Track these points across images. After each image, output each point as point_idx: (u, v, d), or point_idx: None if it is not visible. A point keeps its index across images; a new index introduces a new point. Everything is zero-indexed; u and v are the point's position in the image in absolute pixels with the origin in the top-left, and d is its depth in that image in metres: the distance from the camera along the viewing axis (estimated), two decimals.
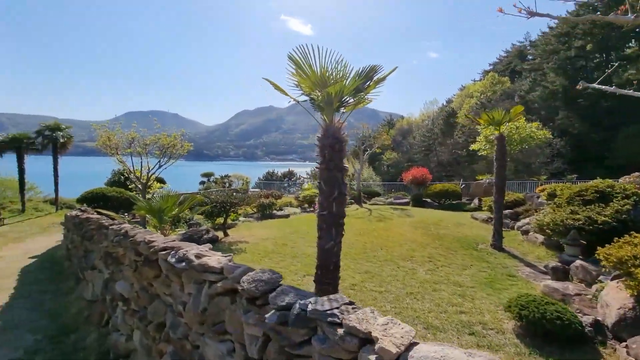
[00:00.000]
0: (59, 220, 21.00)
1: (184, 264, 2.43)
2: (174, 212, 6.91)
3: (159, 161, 9.83)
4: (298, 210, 16.90)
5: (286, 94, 4.13)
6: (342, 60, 3.63)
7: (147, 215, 8.96)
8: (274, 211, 15.09)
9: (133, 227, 3.93)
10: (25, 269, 9.95)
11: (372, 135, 20.60)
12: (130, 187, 14.53)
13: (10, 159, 23.18)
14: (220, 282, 2.05)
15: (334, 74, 3.80)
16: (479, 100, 40.32)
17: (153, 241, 3.02)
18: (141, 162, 10.07)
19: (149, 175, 9.95)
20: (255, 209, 15.31)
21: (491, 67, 50.86)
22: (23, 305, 6.68)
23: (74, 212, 12.71)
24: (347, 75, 3.83)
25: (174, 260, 2.54)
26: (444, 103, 53.86)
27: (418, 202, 17.01)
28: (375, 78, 4.03)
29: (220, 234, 10.39)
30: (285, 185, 41.11)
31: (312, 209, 17.45)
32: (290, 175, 49.85)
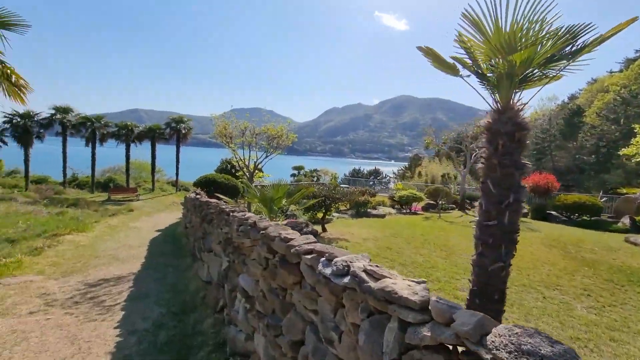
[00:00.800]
0: (178, 200, 24.06)
1: (346, 280, 1.76)
2: (283, 203, 6.65)
3: (266, 151, 9.94)
4: (393, 210, 15.77)
5: (442, 64, 3.21)
6: (547, 8, 2.52)
7: (254, 204, 9.07)
8: (369, 210, 14.28)
9: (260, 217, 3.55)
10: (153, 240, 11.26)
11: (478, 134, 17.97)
12: (238, 174, 15.54)
13: (145, 147, 27.54)
14: (426, 328, 1.28)
15: (523, 39, 2.72)
16: (619, 96, 32.40)
17: (291, 239, 2.49)
18: (249, 152, 10.34)
19: (256, 164, 10.13)
20: (347, 206, 14.77)
21: (638, 54, 40.52)
22: (151, 276, 7.28)
23: (192, 195, 14.05)
24: (544, 37, 2.70)
25: (329, 271, 1.91)
26: (566, 100, 45.34)
27: (539, 215, 14.15)
28: (579, 43, 2.80)
29: (318, 228, 10.09)
30: (371, 183, 40.31)
31: (407, 210, 16.12)
32: (376, 173, 48.57)
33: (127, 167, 25.82)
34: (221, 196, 7.28)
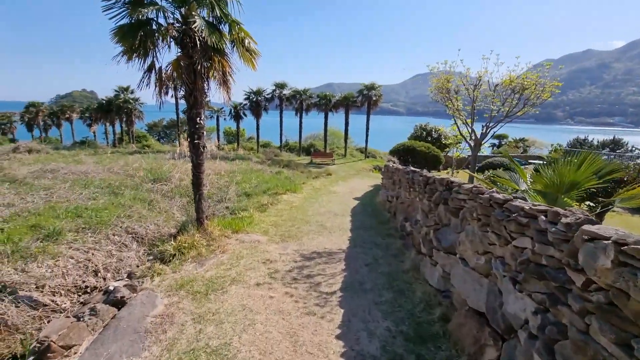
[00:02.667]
0: (366, 166, 23.98)
1: None
2: (578, 190, 3.75)
3: (508, 111, 6.83)
4: None
5: None
6: None
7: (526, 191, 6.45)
8: None
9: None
10: (354, 210, 10.63)
11: None
12: (446, 142, 13.06)
13: (337, 116, 28.88)
14: None
15: None
16: None
17: None
18: (472, 114, 7.51)
19: (487, 128, 7.25)
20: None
21: None
22: (361, 257, 6.17)
23: (390, 164, 12.72)
24: None
25: None
26: None
27: None
28: None
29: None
30: (605, 158, 28.39)
31: None
32: (614, 145, 33.90)
33: (325, 134, 27.86)
34: (483, 178, 5.06)
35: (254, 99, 26.83)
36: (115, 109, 28.96)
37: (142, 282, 4.88)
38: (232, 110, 27.54)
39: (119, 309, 4.19)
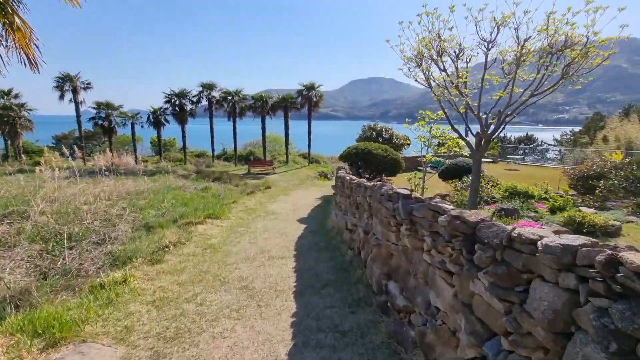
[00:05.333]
0: (311, 173, 20.71)
1: None
2: None
3: (540, 83, 4.00)
4: None
5: None
6: None
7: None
8: None
9: None
10: (300, 243, 7.15)
11: None
12: (400, 143, 10.33)
13: (278, 122, 25.28)
14: None
15: None
16: None
17: None
18: (480, 90, 4.62)
19: (500, 116, 4.36)
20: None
21: None
22: None
23: (341, 173, 9.53)
24: None
25: None
26: None
27: None
28: None
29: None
30: (520, 152, 30.31)
31: None
32: (527, 140, 36.34)
33: (263, 140, 23.99)
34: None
35: (177, 102, 21.84)
36: None
37: None
38: (151, 116, 22.12)
39: None
